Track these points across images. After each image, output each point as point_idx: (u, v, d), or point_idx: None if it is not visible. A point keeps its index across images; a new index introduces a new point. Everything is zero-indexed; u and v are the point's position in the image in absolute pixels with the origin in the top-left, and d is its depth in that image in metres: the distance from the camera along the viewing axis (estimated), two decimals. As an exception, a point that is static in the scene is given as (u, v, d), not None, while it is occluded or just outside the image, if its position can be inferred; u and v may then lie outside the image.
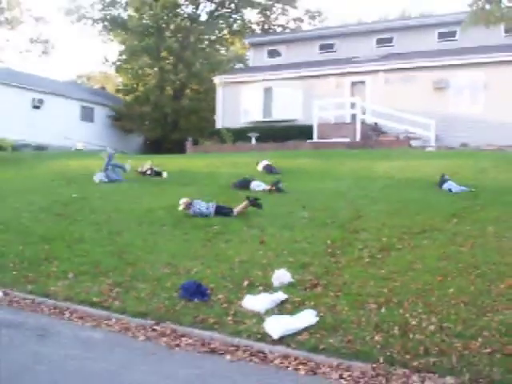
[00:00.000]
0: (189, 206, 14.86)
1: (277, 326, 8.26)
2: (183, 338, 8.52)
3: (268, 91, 35.07)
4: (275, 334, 8.13)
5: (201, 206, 14.84)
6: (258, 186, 18.42)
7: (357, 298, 9.28)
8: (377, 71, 32.62)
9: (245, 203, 14.73)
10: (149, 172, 21.94)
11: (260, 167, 21.79)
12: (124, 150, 43.91)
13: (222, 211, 14.73)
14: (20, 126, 38.27)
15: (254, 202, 14.77)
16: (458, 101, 30.41)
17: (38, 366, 7.23)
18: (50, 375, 6.93)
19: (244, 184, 18.62)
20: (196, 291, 9.82)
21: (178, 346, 8.30)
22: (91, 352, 7.98)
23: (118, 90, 53.65)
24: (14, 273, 11.73)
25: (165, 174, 21.58)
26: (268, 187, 18.09)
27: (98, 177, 20.86)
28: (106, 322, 9.37)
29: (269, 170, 21.44)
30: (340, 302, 9.14)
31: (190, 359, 7.82)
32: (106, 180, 20.65)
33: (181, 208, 14.89)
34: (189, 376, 7.12)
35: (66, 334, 8.75)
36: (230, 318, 8.90)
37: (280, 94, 34.53)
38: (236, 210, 14.72)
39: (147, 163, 22.49)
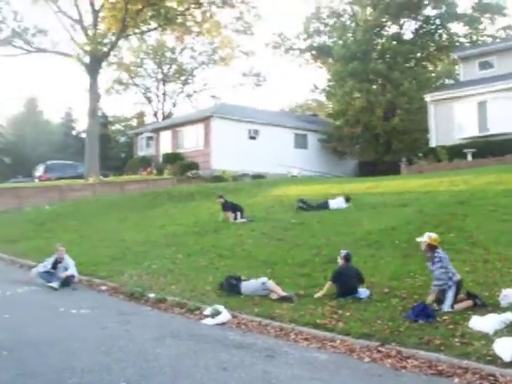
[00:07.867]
0: None
1: (508, 347, 7.91)
2: (409, 360, 8.44)
3: (482, 105, 33.76)
4: (507, 357, 7.79)
5: None
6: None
7: None
8: None
9: (466, 303, 10.15)
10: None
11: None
12: (338, 173, 44.44)
13: (426, 312, 9.72)
14: (238, 156, 40.19)
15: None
16: None
17: (268, 385, 7.48)
18: (280, 394, 7.15)
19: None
20: (421, 312, 9.69)
21: (403, 367, 8.24)
22: (317, 373, 8.15)
23: (329, 115, 54.61)
24: (241, 296, 12.31)
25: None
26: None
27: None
28: (330, 343, 9.54)
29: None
30: None
31: (417, 381, 7.73)
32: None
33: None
34: (417, 398, 7.02)
35: (293, 355, 9.00)
36: (456, 340, 8.68)
37: (495, 107, 33.08)
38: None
39: None
